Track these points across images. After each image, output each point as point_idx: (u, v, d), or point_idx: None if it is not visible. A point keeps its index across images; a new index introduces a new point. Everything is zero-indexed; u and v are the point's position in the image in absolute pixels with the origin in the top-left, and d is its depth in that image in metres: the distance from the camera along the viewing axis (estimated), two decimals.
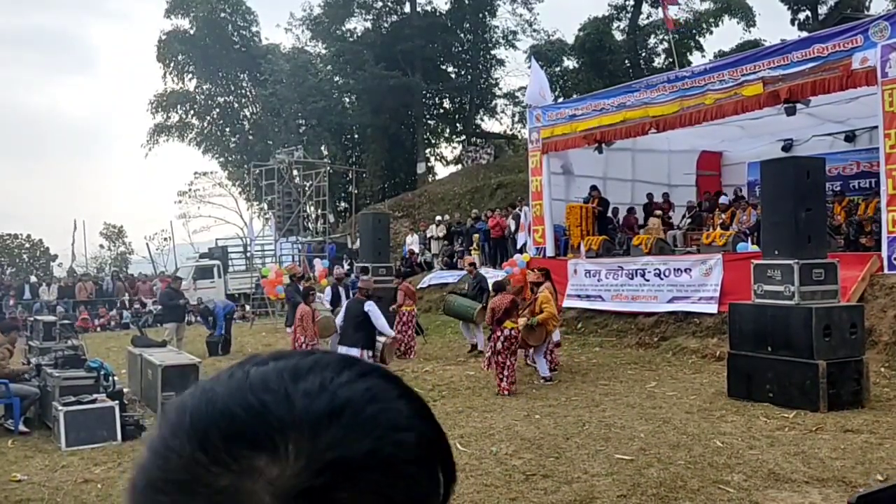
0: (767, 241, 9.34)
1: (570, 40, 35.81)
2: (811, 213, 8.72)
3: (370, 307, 9.98)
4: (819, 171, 9.03)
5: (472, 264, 15.77)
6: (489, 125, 41.23)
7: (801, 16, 31.96)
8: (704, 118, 13.94)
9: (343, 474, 0.47)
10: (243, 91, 39.83)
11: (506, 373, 9.94)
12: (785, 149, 16.85)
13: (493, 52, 39.04)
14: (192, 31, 37.33)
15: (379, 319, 10.05)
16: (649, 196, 18.08)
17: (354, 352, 9.67)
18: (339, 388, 0.51)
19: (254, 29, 39.15)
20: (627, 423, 8.02)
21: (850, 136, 16.52)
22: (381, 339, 10.27)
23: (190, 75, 38.86)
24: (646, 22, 35.19)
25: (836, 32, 12.29)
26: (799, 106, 13.06)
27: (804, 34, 21.51)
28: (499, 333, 10.05)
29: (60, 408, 8.01)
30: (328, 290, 13.74)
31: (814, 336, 8.35)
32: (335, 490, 0.47)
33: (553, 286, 11.85)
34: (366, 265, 16.21)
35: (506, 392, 9.86)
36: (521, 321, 10.33)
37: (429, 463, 0.52)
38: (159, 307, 19.04)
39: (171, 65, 38.14)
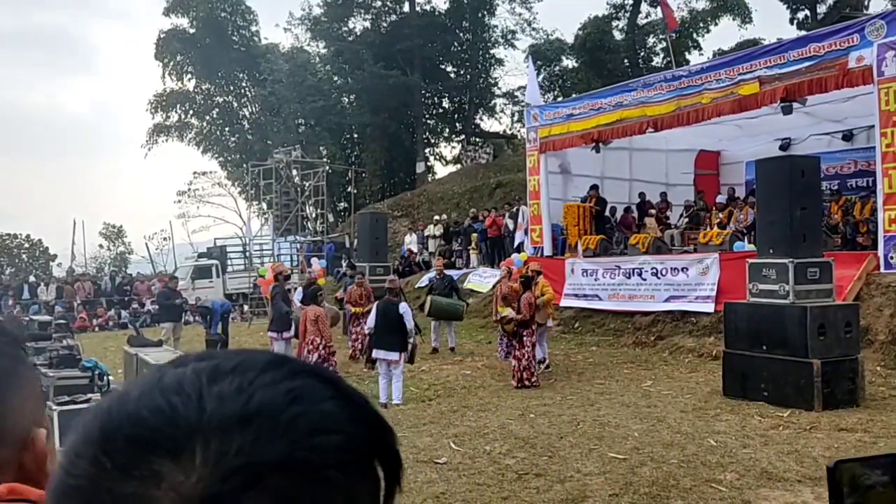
0: (762, 240, 9.34)
1: (570, 40, 35.86)
2: (806, 211, 8.71)
3: (405, 309, 9.92)
4: (814, 170, 9.02)
5: (442, 266, 16.03)
6: (488, 125, 41.28)
7: (800, 15, 31.96)
8: (701, 117, 13.93)
9: (251, 480, 0.46)
10: (242, 91, 39.82)
11: (523, 363, 10.38)
12: (783, 148, 16.84)
13: (492, 51, 39.05)
14: (191, 31, 37.33)
15: (411, 322, 9.98)
16: (641, 195, 18.07)
17: (394, 356, 9.66)
18: (258, 389, 0.49)
19: (253, 28, 39.15)
20: (622, 422, 8.01)
21: (848, 136, 16.52)
22: (411, 340, 10.17)
23: (189, 75, 38.85)
24: (645, 21, 35.21)
25: (832, 31, 12.28)
26: (796, 105, 13.06)
27: (803, 33, 21.49)
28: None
29: (55, 408, 8.00)
30: (300, 290, 13.51)
31: (808, 335, 8.34)
32: (241, 496, 0.45)
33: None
34: (361, 264, 16.22)
35: (527, 380, 10.32)
36: (510, 312, 10.58)
37: (357, 467, 0.50)
38: (156, 307, 19.01)
39: (171, 64, 38.11)
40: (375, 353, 9.91)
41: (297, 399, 0.50)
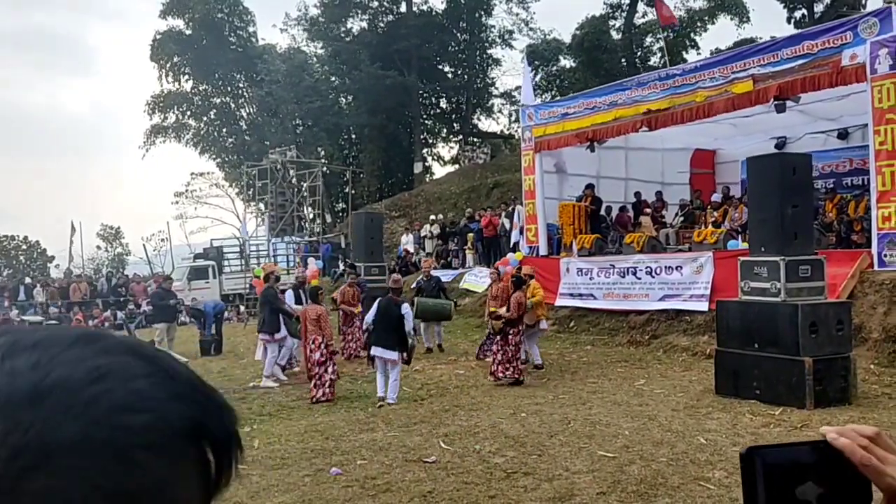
0: (754, 238, 9.31)
1: (567, 39, 35.85)
2: (798, 209, 8.68)
3: (407, 310, 9.92)
4: (806, 168, 8.99)
5: (429, 266, 16.00)
6: (486, 125, 41.30)
7: (797, 14, 31.95)
8: (695, 116, 13.91)
9: (41, 459, 0.43)
10: (240, 91, 39.84)
11: (511, 360, 10.42)
12: (778, 146, 16.83)
13: (489, 51, 39.09)
14: (188, 32, 37.32)
15: (411, 323, 10.02)
16: (637, 195, 18.05)
17: (393, 355, 9.65)
18: (58, 366, 0.47)
19: (250, 29, 39.17)
20: (613, 421, 7.99)
21: (843, 134, 16.50)
22: (409, 340, 10.20)
23: (186, 76, 38.86)
24: (641, 21, 35.21)
25: (825, 29, 12.27)
26: (791, 104, 13.03)
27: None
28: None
29: None
30: (289, 291, 13.49)
31: (800, 333, 8.31)
32: (30, 475, 0.43)
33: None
34: (357, 264, 16.19)
35: (515, 377, 10.36)
36: (502, 310, 10.64)
37: (172, 449, 0.48)
38: (151, 307, 18.98)
39: (168, 65, 38.11)
40: (373, 351, 9.91)
41: (103, 377, 0.47)
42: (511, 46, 39.42)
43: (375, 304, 10.22)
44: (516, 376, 10.39)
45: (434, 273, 15.83)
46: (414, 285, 15.26)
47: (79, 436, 0.44)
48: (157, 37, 37.45)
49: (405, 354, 9.85)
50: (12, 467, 0.43)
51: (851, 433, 0.86)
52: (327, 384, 10.15)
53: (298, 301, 12.94)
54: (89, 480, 0.44)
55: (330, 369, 10.26)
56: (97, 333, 0.52)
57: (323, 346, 10.30)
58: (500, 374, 10.42)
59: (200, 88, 39.41)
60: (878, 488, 0.83)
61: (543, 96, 32.89)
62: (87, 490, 0.44)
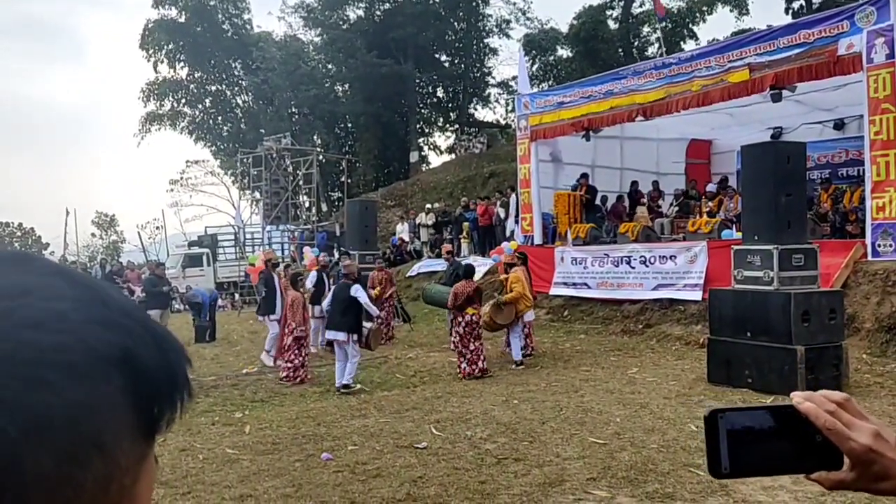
0: (747, 227, 9.30)
1: (564, 29, 35.68)
2: (791, 198, 8.66)
3: (357, 291, 9.98)
4: (800, 156, 8.97)
5: (450, 252, 15.73)
6: (482, 114, 41.16)
7: (795, 5, 31.85)
8: (691, 105, 13.87)
9: None
10: (235, 79, 39.62)
11: (467, 356, 10.21)
12: (774, 136, 16.79)
13: (486, 40, 38.89)
14: (181, 20, 37.05)
15: (365, 300, 10.08)
16: (633, 184, 18.02)
17: (341, 335, 9.83)
18: None
19: (245, 16, 38.92)
20: (605, 408, 7.99)
21: (839, 124, 16.49)
22: (368, 325, 10.28)
23: (182, 63, 38.60)
24: (639, 10, 35.08)
25: (822, 18, 12.23)
26: (787, 94, 13.00)
27: None
28: (460, 319, 10.40)
29: None
30: (314, 273, 13.70)
31: (792, 321, 8.31)
32: None
33: (528, 271, 12.02)
34: (351, 252, 16.15)
35: (466, 375, 10.11)
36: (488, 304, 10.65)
37: (90, 374, 0.45)
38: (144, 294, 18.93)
39: (161, 52, 37.81)
40: (327, 334, 10.27)
41: (23, 294, 0.45)
42: (508, 36, 39.36)
43: (331, 291, 10.51)
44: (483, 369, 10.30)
45: (458, 259, 15.43)
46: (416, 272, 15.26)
47: None
48: (150, 25, 37.14)
49: (357, 336, 9.88)
50: None
51: (819, 398, 0.85)
52: (294, 368, 10.54)
53: (321, 283, 13.20)
54: None
55: (301, 353, 10.64)
56: (30, 254, 0.50)
57: (294, 331, 10.69)
58: (467, 374, 10.18)
59: (195, 76, 39.17)
60: (843, 452, 0.82)
61: (540, 86, 32.76)
62: None
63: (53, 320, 0.45)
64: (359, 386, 9.93)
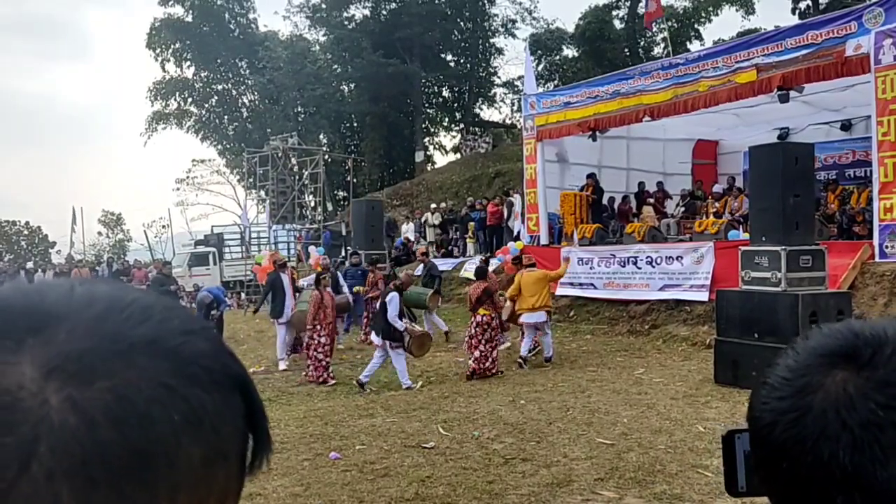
0: (755, 228, 9.29)
1: (570, 29, 35.67)
2: (799, 199, 8.66)
3: (389, 298, 9.99)
4: (808, 157, 8.96)
5: (424, 253, 15.98)
6: (488, 114, 41.19)
7: (802, 5, 31.76)
8: (698, 105, 13.86)
9: (123, 349, 0.43)
10: (241, 78, 39.71)
11: (475, 356, 10.25)
12: (781, 137, 16.77)
13: (492, 40, 38.90)
14: (188, 19, 37.16)
15: (392, 313, 9.93)
16: (640, 185, 18.01)
17: (377, 340, 10.00)
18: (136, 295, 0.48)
19: (251, 16, 39.05)
20: (612, 409, 8.00)
21: (847, 125, 16.45)
22: (416, 328, 10.33)
23: (188, 62, 38.71)
24: (645, 11, 34.97)
25: (830, 19, 12.20)
26: (794, 94, 12.99)
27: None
28: (472, 319, 10.53)
29: None
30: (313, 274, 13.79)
31: (800, 323, 8.30)
32: (110, 357, 0.43)
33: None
34: (358, 251, 16.19)
35: (471, 373, 10.17)
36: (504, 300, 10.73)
37: (224, 386, 0.46)
38: None
39: (168, 52, 37.94)
40: (372, 336, 10.44)
41: (169, 308, 0.48)
42: (514, 36, 39.39)
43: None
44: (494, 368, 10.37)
45: (433, 261, 15.89)
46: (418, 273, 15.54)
47: (153, 337, 0.44)
48: (156, 24, 37.25)
49: (394, 342, 9.85)
50: (99, 346, 0.42)
51: None
52: (323, 368, 10.62)
53: (335, 282, 13.32)
54: (167, 385, 0.43)
55: (329, 353, 10.78)
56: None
57: (322, 331, 10.70)
58: (475, 371, 10.23)
59: (202, 75, 39.28)
60: None
61: (546, 86, 32.76)
62: (154, 385, 0.42)
63: (200, 332, 0.47)
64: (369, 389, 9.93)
